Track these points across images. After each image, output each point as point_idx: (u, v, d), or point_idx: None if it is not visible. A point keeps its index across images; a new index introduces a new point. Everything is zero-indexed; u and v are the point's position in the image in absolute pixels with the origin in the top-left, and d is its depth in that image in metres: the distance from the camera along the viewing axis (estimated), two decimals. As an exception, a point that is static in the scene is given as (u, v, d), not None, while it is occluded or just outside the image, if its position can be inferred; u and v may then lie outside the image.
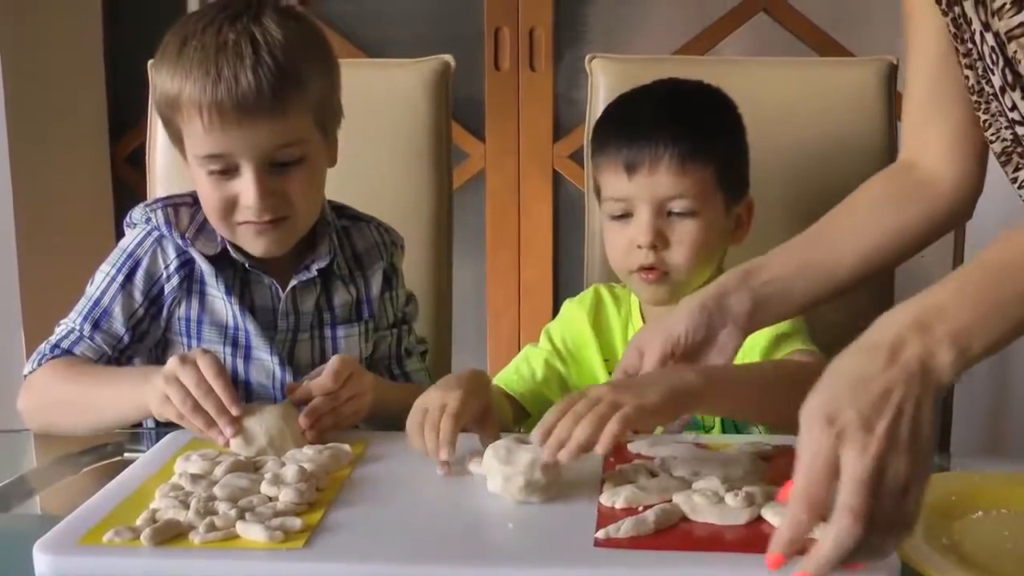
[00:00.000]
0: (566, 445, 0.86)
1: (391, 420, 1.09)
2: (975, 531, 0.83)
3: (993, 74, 0.95)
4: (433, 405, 0.95)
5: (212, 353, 1.01)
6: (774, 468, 0.93)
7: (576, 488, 0.88)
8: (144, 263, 1.20)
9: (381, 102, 1.52)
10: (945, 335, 0.72)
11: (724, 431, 1.19)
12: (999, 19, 0.90)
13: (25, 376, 1.19)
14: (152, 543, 0.78)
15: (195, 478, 0.89)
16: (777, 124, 1.44)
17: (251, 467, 0.94)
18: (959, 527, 0.83)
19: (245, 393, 1.19)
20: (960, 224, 1.12)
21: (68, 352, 1.18)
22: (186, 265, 1.20)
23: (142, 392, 1.03)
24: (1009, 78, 0.93)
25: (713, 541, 0.78)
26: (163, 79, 1.13)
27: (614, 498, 0.84)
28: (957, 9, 0.96)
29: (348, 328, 1.25)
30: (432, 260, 1.54)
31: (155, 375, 1.01)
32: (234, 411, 0.98)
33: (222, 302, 1.20)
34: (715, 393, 0.97)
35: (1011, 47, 0.90)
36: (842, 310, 1.26)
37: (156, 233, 1.20)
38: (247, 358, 1.20)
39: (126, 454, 1.12)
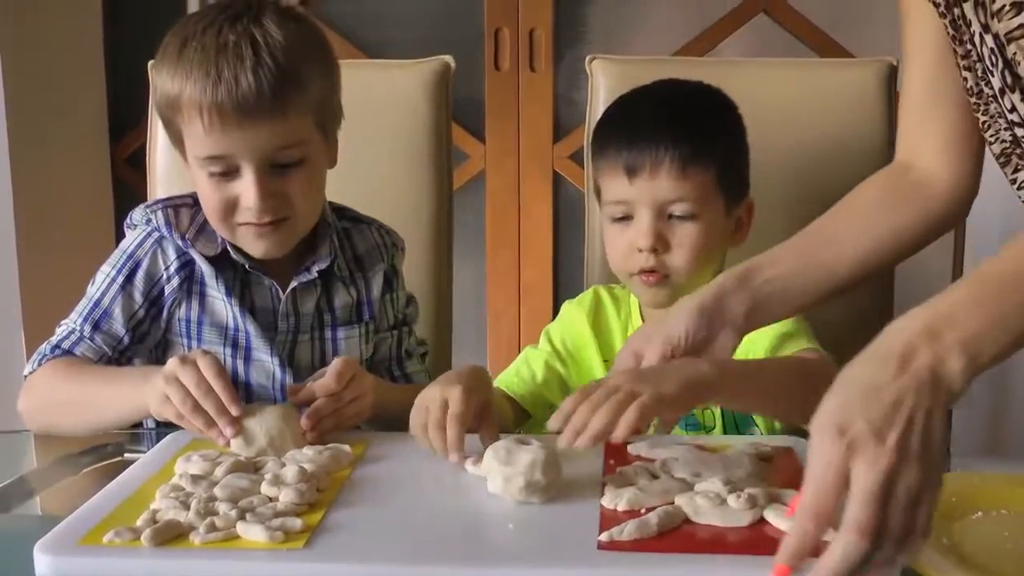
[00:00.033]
0: (584, 433, 0.87)
1: (392, 422, 1.09)
2: (975, 532, 0.83)
3: (992, 76, 0.95)
4: (434, 403, 0.95)
5: (212, 354, 1.01)
6: (774, 469, 0.93)
7: (576, 489, 0.88)
8: (144, 264, 1.20)
9: (381, 103, 1.52)
10: (955, 343, 0.71)
11: (725, 431, 1.20)
12: (998, 21, 0.90)
13: (25, 376, 1.19)
14: (153, 544, 0.78)
15: (195, 479, 0.89)
16: (777, 125, 1.44)
17: (251, 468, 0.94)
18: (959, 528, 0.83)
19: (245, 394, 1.19)
20: (956, 225, 1.12)
21: (68, 352, 1.18)
22: (186, 266, 1.20)
23: (141, 392, 1.03)
24: (1008, 80, 0.93)
25: (716, 543, 0.78)
26: (163, 80, 1.13)
27: (616, 500, 0.84)
28: (956, 11, 0.96)
29: (348, 330, 1.25)
30: (432, 260, 1.54)
31: (155, 375, 1.01)
32: (234, 411, 0.98)
33: (222, 303, 1.20)
34: (730, 386, 0.98)
35: (1010, 49, 0.90)
36: (842, 310, 1.26)
37: (156, 234, 1.21)
38: (247, 359, 1.20)
39: (126, 455, 1.12)
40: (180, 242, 1.19)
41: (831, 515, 0.68)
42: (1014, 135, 0.98)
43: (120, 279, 1.20)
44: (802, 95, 1.51)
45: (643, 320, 1.28)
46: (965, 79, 1.00)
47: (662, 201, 1.19)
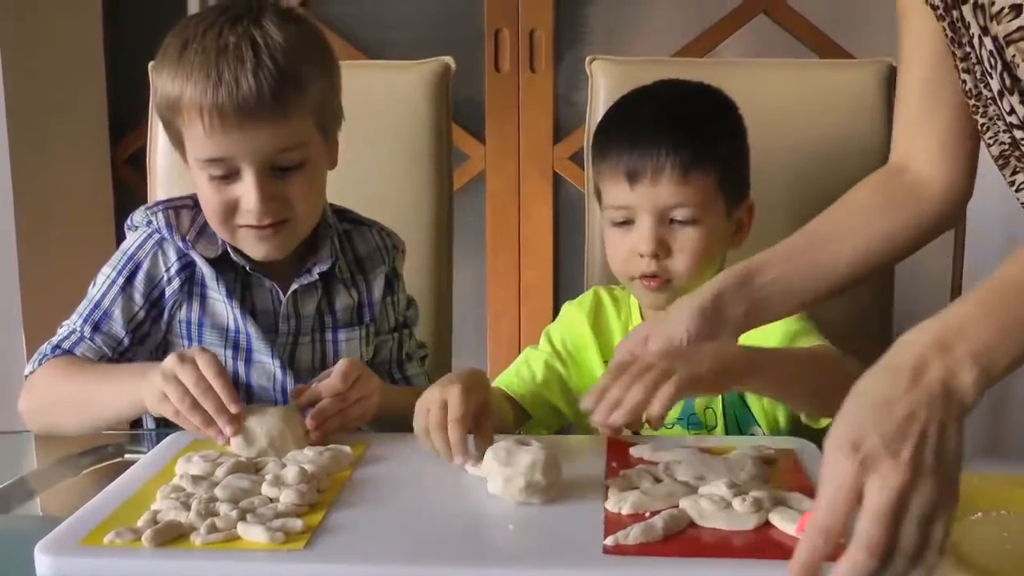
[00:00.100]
0: (619, 407, 0.87)
1: (393, 423, 1.09)
2: (974, 532, 0.83)
3: (991, 78, 0.95)
4: (434, 405, 0.95)
5: (211, 351, 1.01)
6: (777, 471, 0.93)
7: (577, 490, 0.88)
8: (145, 266, 1.20)
9: (381, 104, 1.52)
10: (967, 355, 0.71)
11: (727, 430, 1.20)
12: (997, 23, 0.90)
13: (26, 377, 1.19)
14: (153, 544, 0.78)
15: (196, 479, 0.89)
16: (777, 125, 1.44)
17: (252, 468, 0.94)
18: (958, 528, 0.83)
19: (246, 396, 1.19)
20: (950, 228, 1.12)
21: (68, 353, 1.18)
22: (187, 268, 1.20)
23: (139, 388, 1.03)
24: (1007, 82, 0.93)
25: (723, 547, 0.78)
26: (164, 82, 1.13)
27: (621, 504, 0.84)
28: (955, 13, 0.97)
29: (349, 332, 1.25)
30: (432, 261, 1.54)
31: (153, 372, 1.01)
32: (233, 409, 0.98)
33: (223, 305, 1.20)
34: (760, 370, 0.98)
35: (1009, 51, 0.91)
36: (843, 309, 1.26)
37: (157, 236, 1.20)
38: (248, 361, 1.21)
39: (127, 455, 1.12)
40: (181, 244, 1.19)
41: (842, 532, 0.67)
42: (1013, 137, 0.98)
43: (120, 280, 1.20)
44: (802, 96, 1.51)
45: (643, 321, 1.28)
46: (964, 81, 1.01)
47: (663, 206, 1.19)
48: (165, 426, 1.12)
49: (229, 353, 1.20)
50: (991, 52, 0.93)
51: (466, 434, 0.94)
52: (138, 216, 1.23)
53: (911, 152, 1.10)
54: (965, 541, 0.81)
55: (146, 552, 0.77)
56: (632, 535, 0.78)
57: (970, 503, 0.87)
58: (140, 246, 1.21)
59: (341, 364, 1.07)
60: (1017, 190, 1.02)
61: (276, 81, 1.09)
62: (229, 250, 1.19)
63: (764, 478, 0.90)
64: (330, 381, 1.06)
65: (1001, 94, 0.95)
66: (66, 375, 1.15)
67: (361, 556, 0.78)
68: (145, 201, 1.31)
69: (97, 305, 1.19)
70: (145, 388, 1.02)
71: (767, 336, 1.12)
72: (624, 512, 0.83)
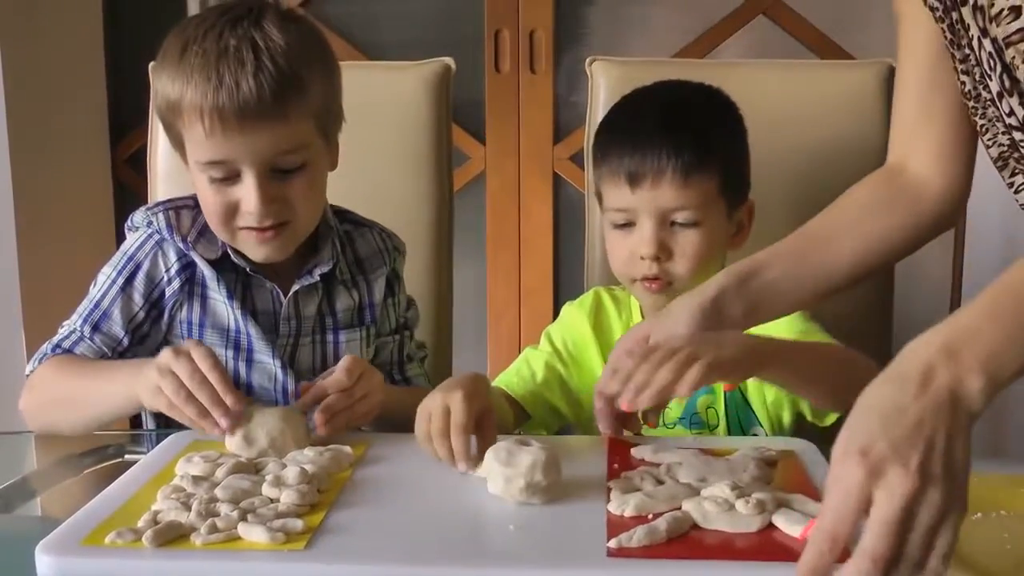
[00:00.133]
0: (646, 389, 0.88)
1: (394, 423, 1.09)
2: (974, 533, 0.83)
3: (991, 80, 0.95)
4: (436, 411, 0.95)
5: (206, 345, 1.01)
6: (779, 473, 0.93)
7: (577, 491, 0.88)
8: (145, 266, 1.20)
9: (382, 105, 1.52)
10: (974, 362, 0.70)
11: (729, 430, 1.20)
12: (997, 25, 0.90)
13: (27, 376, 1.19)
14: (154, 545, 0.78)
15: (197, 480, 0.89)
16: (777, 126, 1.44)
17: (252, 469, 0.94)
18: (958, 529, 0.83)
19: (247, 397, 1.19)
20: (948, 229, 1.13)
21: (68, 352, 1.18)
22: (187, 268, 1.20)
23: (134, 383, 1.03)
24: (1007, 83, 0.93)
25: (726, 549, 0.78)
26: (164, 84, 1.13)
27: (623, 506, 0.83)
28: (954, 15, 0.97)
29: (350, 333, 1.25)
30: (433, 262, 1.54)
31: (147, 366, 1.01)
32: (229, 401, 0.97)
33: (224, 305, 1.20)
34: (781, 359, 0.99)
35: (1009, 53, 0.91)
36: (842, 308, 1.26)
37: (157, 236, 1.20)
38: (249, 361, 1.21)
39: (127, 456, 1.12)
40: (181, 244, 1.19)
41: (849, 538, 0.67)
42: (1012, 139, 0.98)
43: (120, 281, 1.20)
44: (802, 96, 1.51)
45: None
46: (963, 83, 1.01)
47: (665, 209, 1.19)
48: (166, 426, 1.12)
49: (230, 353, 1.20)
50: (990, 54, 0.93)
51: (469, 441, 0.94)
52: (138, 217, 1.23)
53: (909, 153, 1.10)
54: (965, 541, 0.81)
55: (147, 552, 0.77)
56: (636, 538, 0.77)
57: (970, 503, 0.87)
58: (140, 247, 1.21)
59: (345, 360, 1.07)
60: (1016, 191, 1.02)
61: (277, 83, 1.09)
62: (229, 252, 1.19)
63: (766, 480, 0.90)
64: (335, 376, 1.06)
65: (1000, 96, 0.95)
66: (64, 373, 1.16)
67: (362, 556, 0.78)
68: (145, 202, 1.31)
69: (97, 305, 1.19)
70: (140, 382, 1.01)
71: (776, 333, 1.12)
72: (627, 514, 0.83)
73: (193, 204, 1.20)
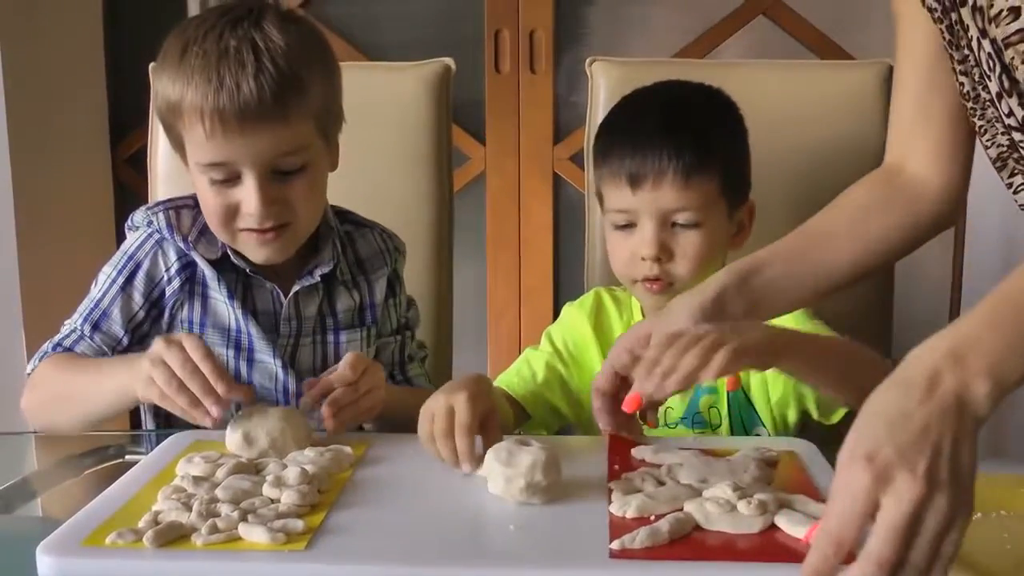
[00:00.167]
0: (672, 375, 0.88)
1: (395, 423, 1.09)
2: (974, 533, 0.83)
3: (990, 80, 0.95)
4: (440, 412, 0.94)
5: (198, 335, 1.00)
6: (780, 473, 0.93)
7: (578, 491, 0.88)
8: (145, 266, 1.20)
9: (382, 105, 1.53)
10: (980, 367, 0.70)
11: (731, 430, 1.20)
12: (996, 26, 0.90)
13: (28, 375, 1.19)
14: (155, 545, 0.78)
15: (197, 480, 0.89)
16: (777, 126, 1.44)
17: (253, 469, 0.94)
18: (958, 529, 0.83)
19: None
20: (946, 228, 1.13)
21: (68, 351, 1.18)
22: (187, 268, 1.20)
23: (128, 376, 1.03)
24: (1006, 84, 0.93)
25: (729, 550, 0.78)
26: (164, 85, 1.12)
27: (625, 507, 0.83)
28: (953, 16, 0.97)
29: (351, 333, 1.25)
30: (433, 262, 1.54)
31: (140, 359, 1.01)
32: (220, 389, 0.96)
33: (224, 305, 1.20)
34: (799, 350, 0.99)
35: (1008, 53, 0.91)
36: (842, 307, 1.27)
37: (157, 236, 1.21)
38: (250, 361, 1.21)
39: (128, 456, 1.12)
40: (181, 244, 1.19)
41: (854, 542, 0.67)
42: (1011, 139, 0.98)
43: (120, 280, 1.20)
44: (802, 96, 1.51)
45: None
46: (961, 84, 1.01)
47: (666, 210, 1.19)
48: (166, 426, 1.12)
49: (231, 353, 1.20)
50: (989, 55, 0.93)
51: (473, 442, 0.93)
52: (139, 216, 1.23)
53: (907, 153, 1.10)
54: (965, 541, 0.81)
55: (147, 553, 0.77)
56: (638, 539, 0.77)
57: (971, 504, 0.87)
58: (140, 246, 1.21)
59: (348, 357, 1.07)
60: (1015, 192, 1.02)
61: (277, 85, 1.08)
62: (229, 252, 1.19)
63: (767, 480, 0.90)
64: (340, 371, 1.06)
65: (1000, 96, 0.95)
66: (63, 370, 1.16)
67: (362, 556, 0.78)
68: (145, 202, 1.31)
69: (97, 304, 1.20)
70: (134, 374, 1.01)
71: None
72: (629, 515, 0.83)
73: (193, 204, 1.20)
